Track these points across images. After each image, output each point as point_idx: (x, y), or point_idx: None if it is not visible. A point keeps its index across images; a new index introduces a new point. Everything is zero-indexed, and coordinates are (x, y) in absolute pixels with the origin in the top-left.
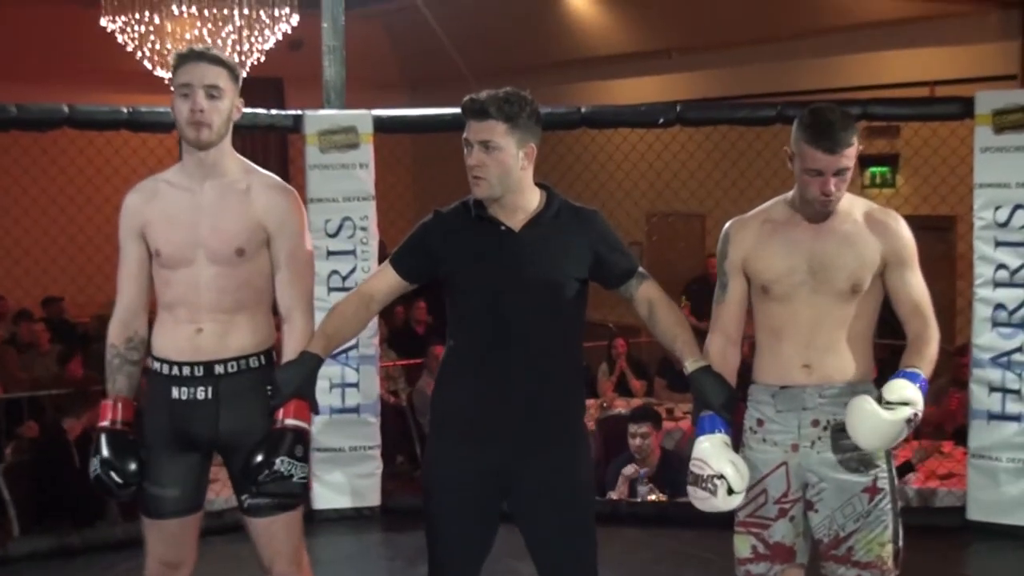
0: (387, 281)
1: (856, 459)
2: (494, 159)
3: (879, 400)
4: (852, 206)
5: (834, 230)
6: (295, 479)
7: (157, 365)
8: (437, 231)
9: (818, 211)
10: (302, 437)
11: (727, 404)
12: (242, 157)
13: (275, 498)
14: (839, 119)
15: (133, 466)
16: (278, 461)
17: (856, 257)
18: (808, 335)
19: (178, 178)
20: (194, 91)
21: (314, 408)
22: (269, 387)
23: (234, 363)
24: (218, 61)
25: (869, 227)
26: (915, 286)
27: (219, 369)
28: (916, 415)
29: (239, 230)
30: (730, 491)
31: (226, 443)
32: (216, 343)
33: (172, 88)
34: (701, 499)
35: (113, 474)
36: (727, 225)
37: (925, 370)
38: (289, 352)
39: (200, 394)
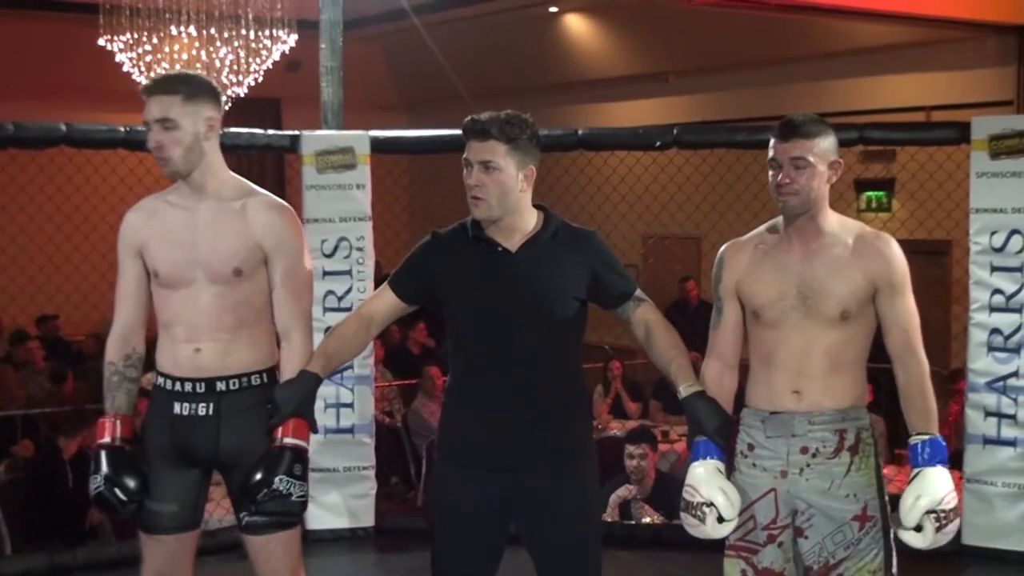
0: (386, 303)
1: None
2: (494, 180)
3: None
4: (844, 229)
5: (824, 253)
6: (294, 497)
7: (160, 380)
8: (435, 253)
9: (783, 209)
10: (301, 456)
11: (720, 429)
12: (238, 176)
13: (274, 516)
14: (805, 117)
15: (136, 482)
16: (277, 480)
17: (846, 283)
18: (798, 361)
19: (176, 197)
20: (150, 128)
21: (313, 427)
22: (269, 408)
23: (236, 380)
24: (170, 89)
25: (860, 251)
26: (904, 313)
27: (221, 386)
28: (937, 508)
29: (236, 249)
30: (720, 519)
31: (226, 460)
32: (216, 361)
33: None
34: (692, 526)
35: (117, 491)
36: (722, 249)
37: (933, 427)
38: (288, 371)
39: (202, 410)
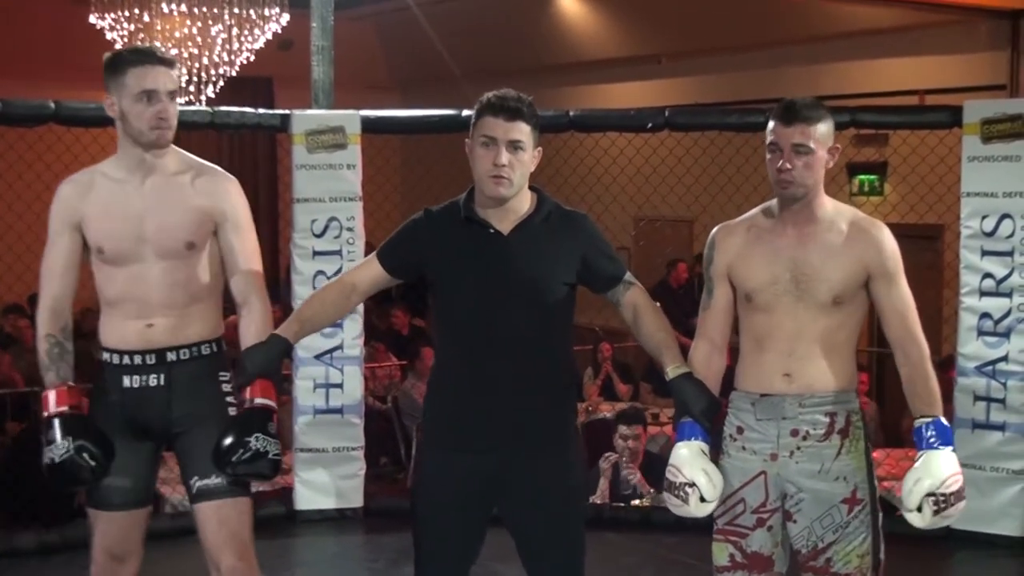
0: (371, 274)
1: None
2: (520, 160)
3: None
4: (838, 214)
5: (817, 239)
6: (270, 455)
7: (107, 356)
8: (426, 229)
9: (781, 194)
10: (270, 415)
11: (706, 411)
12: (181, 151)
13: (252, 478)
14: (805, 101)
15: (101, 448)
16: (252, 439)
17: (838, 268)
18: (790, 345)
19: (115, 171)
20: (159, 97)
21: (279, 388)
22: (234, 368)
23: (186, 350)
24: (173, 64)
25: (854, 237)
26: (899, 299)
27: (171, 356)
28: (936, 490)
29: (186, 223)
30: (702, 499)
31: (177, 429)
32: (168, 335)
33: (114, 85)
34: (675, 506)
35: (86, 455)
36: (714, 231)
37: (937, 409)
38: (250, 336)
39: (152, 381)
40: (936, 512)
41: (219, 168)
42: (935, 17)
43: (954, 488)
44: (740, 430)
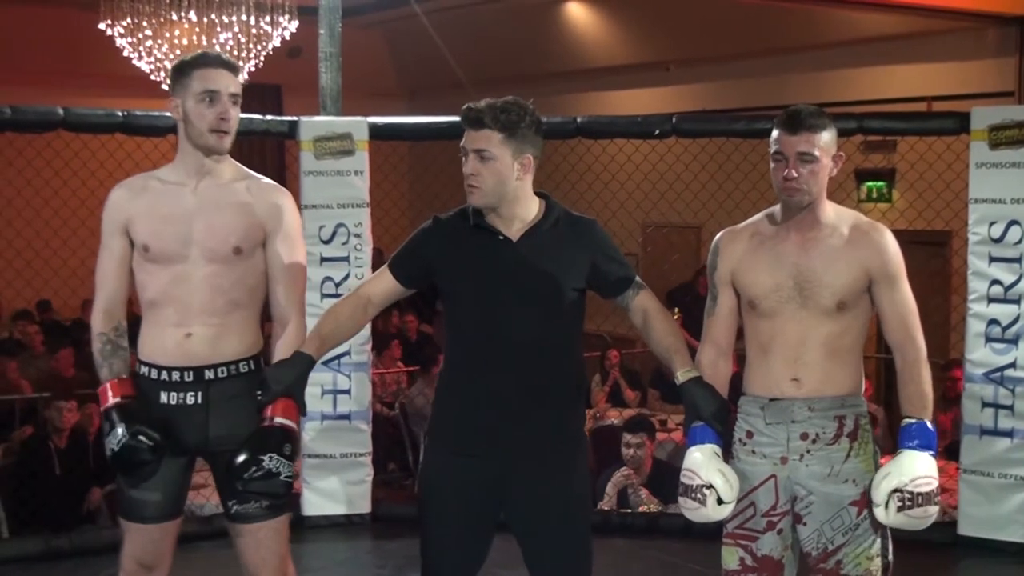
0: (384, 285)
1: None
2: (489, 168)
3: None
4: (840, 219)
5: (820, 244)
6: (281, 477)
7: (145, 369)
8: (435, 238)
9: (786, 202)
10: (290, 436)
11: (717, 414)
12: (237, 163)
13: (261, 497)
14: (809, 109)
15: (158, 432)
16: (266, 458)
17: (841, 274)
18: (795, 350)
19: (171, 176)
20: (221, 98)
21: (302, 409)
22: (259, 386)
23: (224, 368)
24: (237, 70)
25: (855, 241)
26: (901, 302)
27: (209, 374)
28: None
29: (236, 227)
30: (720, 501)
31: (214, 448)
32: (206, 348)
33: (179, 88)
34: (691, 509)
35: (142, 438)
36: (717, 237)
37: (925, 412)
38: (280, 353)
39: (190, 399)
40: (900, 509)
41: (274, 182)
42: (943, 24)
43: (923, 489)
44: (750, 434)
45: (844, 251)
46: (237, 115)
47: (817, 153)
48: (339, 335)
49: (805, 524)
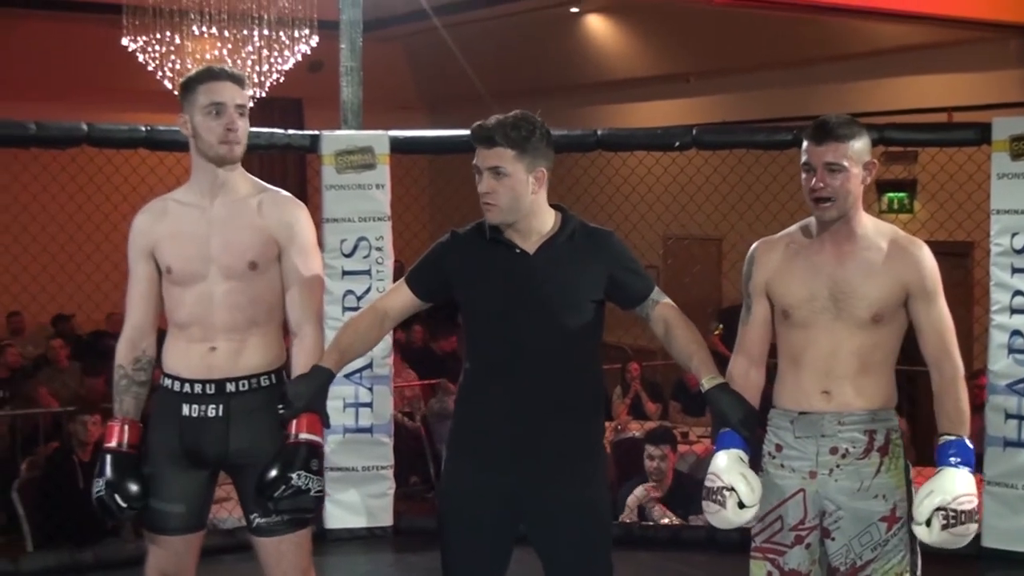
0: (402, 299)
1: None
2: (504, 185)
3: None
4: (877, 232)
5: (857, 256)
6: (312, 493)
7: (168, 382)
8: (453, 252)
9: (817, 214)
10: (316, 451)
11: (744, 421)
12: (251, 175)
13: (291, 514)
14: (839, 119)
15: (137, 488)
16: (295, 475)
17: (878, 287)
18: (828, 362)
19: (187, 196)
20: (227, 110)
21: (325, 422)
22: (280, 401)
23: (245, 381)
24: (242, 81)
25: (893, 256)
26: (938, 317)
27: (231, 387)
28: (947, 506)
29: (251, 243)
30: (741, 505)
31: (235, 461)
32: (229, 362)
33: (187, 104)
34: (712, 512)
35: (117, 497)
36: (753, 246)
37: (963, 429)
38: (300, 366)
39: (211, 412)
40: (944, 527)
41: (288, 194)
42: (964, 34)
43: (966, 507)
44: (779, 448)
45: (881, 265)
46: (245, 126)
47: (845, 163)
48: (357, 348)
49: (834, 539)
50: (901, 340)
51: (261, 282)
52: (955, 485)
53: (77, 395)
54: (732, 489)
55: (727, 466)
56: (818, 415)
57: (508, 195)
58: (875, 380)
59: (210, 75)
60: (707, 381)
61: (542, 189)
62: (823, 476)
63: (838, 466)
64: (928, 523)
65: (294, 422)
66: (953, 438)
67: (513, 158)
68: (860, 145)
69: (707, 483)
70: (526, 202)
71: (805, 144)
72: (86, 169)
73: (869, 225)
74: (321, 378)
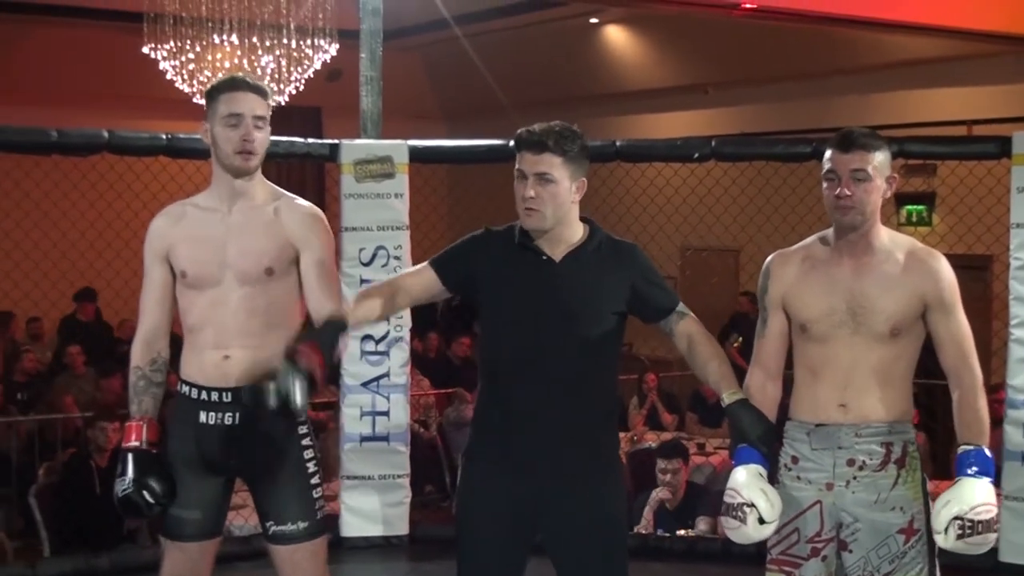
0: (422, 280)
1: None
2: (549, 192)
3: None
4: (895, 245)
5: (874, 269)
6: (293, 396)
7: (185, 389)
8: (483, 247)
9: (839, 222)
10: (308, 375)
11: (764, 437)
12: (270, 183)
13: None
14: (863, 131)
15: (163, 486)
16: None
17: (896, 300)
18: (845, 376)
19: (206, 201)
20: (244, 121)
21: (327, 357)
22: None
23: None
24: (264, 92)
25: (911, 268)
26: (957, 330)
27: None
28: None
29: (268, 249)
30: (761, 521)
31: (252, 469)
32: (244, 370)
33: (210, 113)
34: (732, 528)
35: (145, 493)
36: (769, 259)
37: (983, 439)
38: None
39: (228, 419)
40: (960, 536)
41: (305, 201)
42: (983, 47)
43: (983, 517)
44: (795, 459)
45: (899, 277)
46: (264, 137)
47: (870, 171)
48: (370, 312)
49: (851, 551)
50: (919, 352)
51: (277, 288)
52: (973, 495)
53: (94, 400)
54: (752, 505)
55: (747, 481)
56: (835, 427)
57: (552, 202)
58: (893, 392)
59: (231, 85)
60: (728, 396)
61: (579, 199)
62: (840, 488)
63: (855, 478)
64: (945, 531)
65: (298, 347)
66: (972, 448)
67: (561, 165)
68: (883, 157)
69: (727, 499)
70: (565, 210)
71: (829, 153)
72: (106, 176)
73: (886, 238)
74: (335, 322)
